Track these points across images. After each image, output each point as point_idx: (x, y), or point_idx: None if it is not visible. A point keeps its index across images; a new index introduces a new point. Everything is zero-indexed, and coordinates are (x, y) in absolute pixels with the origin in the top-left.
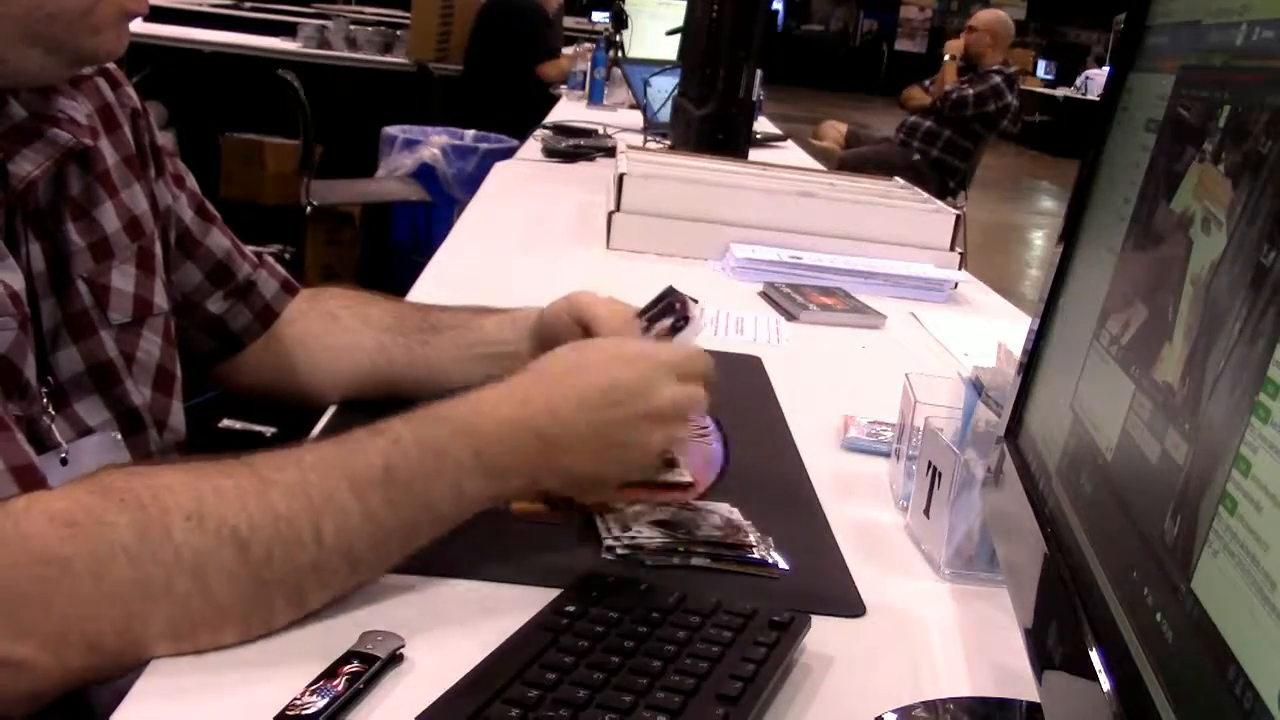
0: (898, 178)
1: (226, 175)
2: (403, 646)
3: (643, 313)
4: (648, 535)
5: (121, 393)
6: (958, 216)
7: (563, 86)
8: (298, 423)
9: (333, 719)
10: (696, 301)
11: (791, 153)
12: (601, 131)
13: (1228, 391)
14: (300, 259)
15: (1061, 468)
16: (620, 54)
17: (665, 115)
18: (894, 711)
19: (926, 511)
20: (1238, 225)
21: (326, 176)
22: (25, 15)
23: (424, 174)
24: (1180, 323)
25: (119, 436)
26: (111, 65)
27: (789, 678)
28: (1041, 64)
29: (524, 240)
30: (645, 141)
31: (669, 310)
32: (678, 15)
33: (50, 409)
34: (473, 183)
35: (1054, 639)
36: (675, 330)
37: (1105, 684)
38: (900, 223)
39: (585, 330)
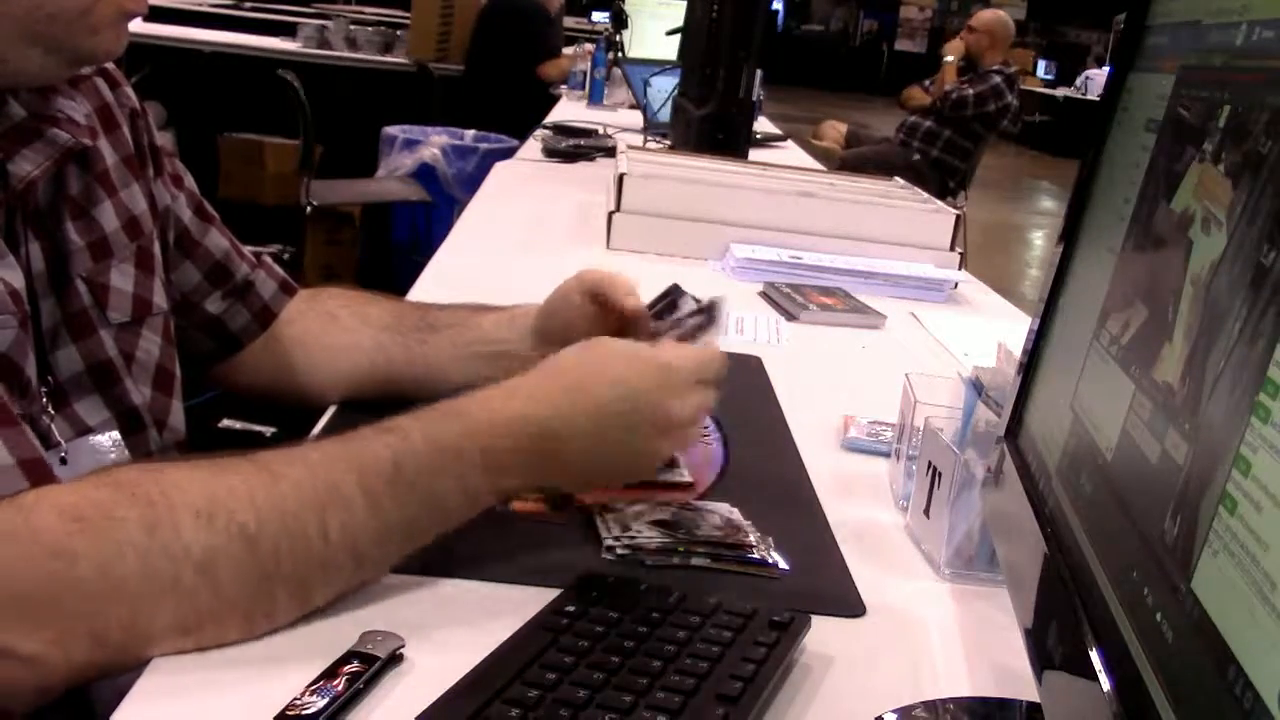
0: (898, 178)
1: (226, 175)
2: (403, 646)
3: (649, 308)
4: (648, 535)
5: (121, 392)
6: (958, 216)
7: (563, 86)
8: (298, 423)
9: (333, 719)
10: (713, 305)
11: (791, 153)
12: (601, 131)
13: (1228, 391)
14: (300, 259)
15: (1061, 468)
16: (620, 54)
17: (665, 115)
18: (894, 711)
19: (926, 511)
20: (1238, 225)
21: (326, 176)
22: (25, 15)
23: (424, 174)
24: (1180, 323)
25: (119, 436)
26: (110, 65)
27: (789, 678)
28: (1041, 64)
29: (524, 240)
30: (645, 141)
31: (672, 307)
32: (678, 15)
33: (50, 408)
34: (473, 183)
35: (1054, 639)
36: (700, 330)
37: (1105, 684)
38: (900, 223)
39: (596, 303)
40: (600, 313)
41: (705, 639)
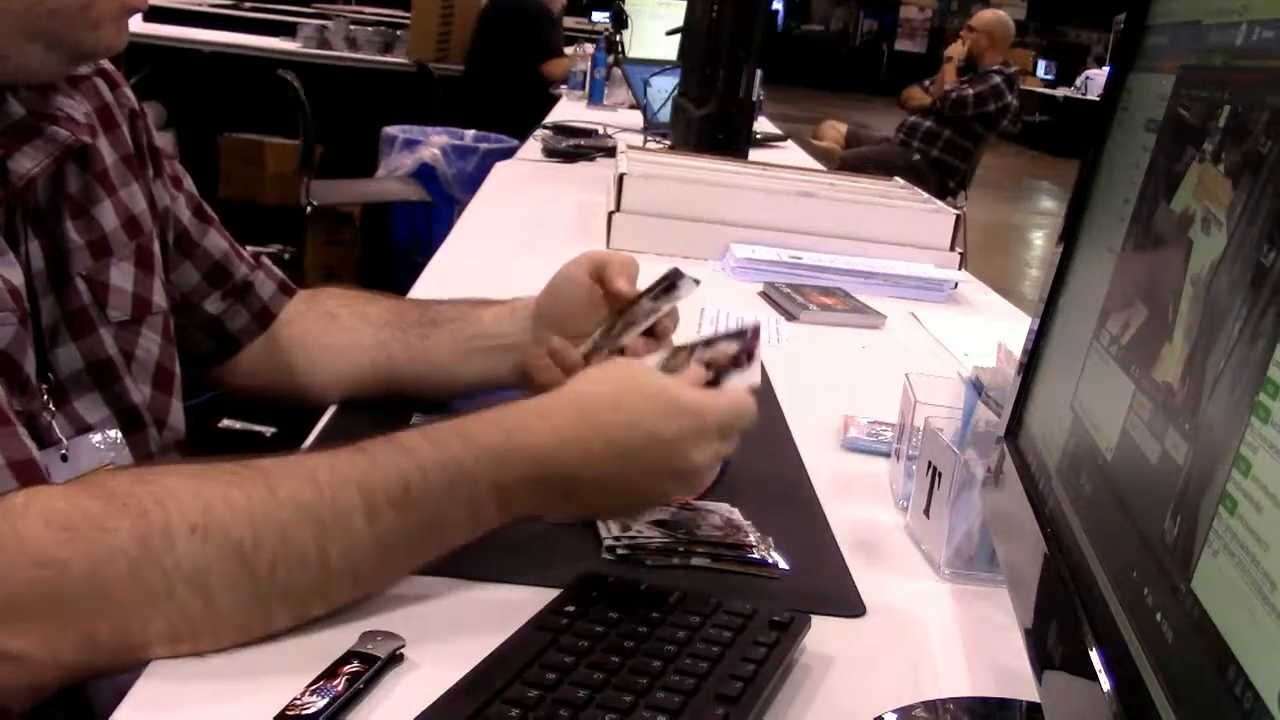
0: (898, 178)
1: (226, 175)
2: (403, 646)
3: (645, 293)
4: (648, 535)
5: (121, 390)
6: (958, 216)
7: (563, 86)
8: (298, 423)
9: (333, 719)
10: (751, 332)
11: (791, 153)
12: (601, 131)
13: (1228, 391)
14: (300, 259)
15: (1061, 468)
16: (620, 54)
17: (665, 115)
18: (894, 711)
19: (926, 511)
20: (1238, 225)
21: (326, 176)
22: (26, 11)
23: (424, 174)
24: (1180, 323)
25: (119, 434)
26: (110, 66)
27: (789, 678)
28: (1041, 64)
29: (524, 240)
30: (645, 141)
31: (669, 290)
32: (678, 15)
33: (50, 405)
34: (473, 183)
35: (1054, 639)
36: (735, 364)
37: (1105, 684)
38: (900, 223)
39: (598, 283)
40: (602, 293)
41: (705, 639)
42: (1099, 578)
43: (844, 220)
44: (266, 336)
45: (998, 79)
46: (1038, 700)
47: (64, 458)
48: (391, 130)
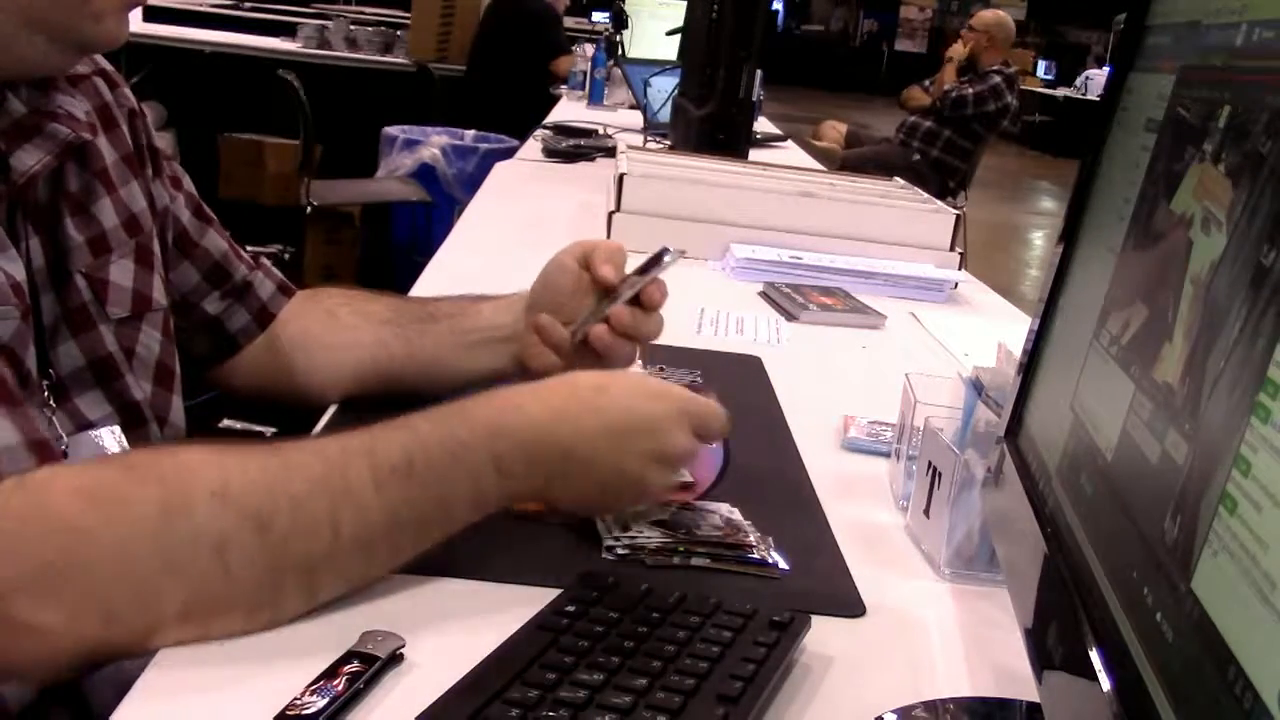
0: (898, 178)
1: (226, 175)
2: (403, 646)
3: (631, 274)
4: (648, 535)
5: (122, 387)
6: (958, 216)
7: (563, 86)
8: (298, 423)
9: (333, 719)
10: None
11: (791, 153)
12: (601, 131)
13: (1228, 391)
14: (300, 259)
15: (1061, 468)
16: (620, 54)
17: (665, 115)
18: (894, 711)
19: (926, 511)
20: (1238, 225)
21: (326, 176)
22: (28, 3)
23: (424, 174)
24: (1180, 323)
25: (120, 431)
26: (109, 66)
27: (789, 678)
28: (1041, 64)
29: (524, 240)
30: (645, 141)
31: (655, 263)
32: (678, 15)
33: (51, 402)
34: (473, 183)
35: (1054, 639)
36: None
37: (1105, 684)
38: (900, 223)
39: (586, 268)
40: (589, 280)
41: (705, 639)
42: (1099, 578)
43: (844, 220)
44: (266, 337)
45: (998, 79)
46: (1038, 700)
47: (65, 454)
48: (391, 130)
